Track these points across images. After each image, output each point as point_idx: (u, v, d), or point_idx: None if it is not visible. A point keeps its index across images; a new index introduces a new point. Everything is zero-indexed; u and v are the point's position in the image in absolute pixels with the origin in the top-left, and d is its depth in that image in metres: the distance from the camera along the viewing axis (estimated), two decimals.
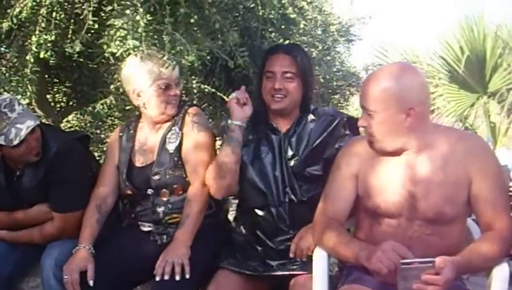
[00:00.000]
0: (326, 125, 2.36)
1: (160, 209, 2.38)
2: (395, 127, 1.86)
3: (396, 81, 1.84)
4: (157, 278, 2.13)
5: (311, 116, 2.38)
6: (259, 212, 2.35)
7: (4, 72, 2.92)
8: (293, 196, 2.32)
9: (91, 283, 2.18)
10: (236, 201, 2.55)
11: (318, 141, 2.34)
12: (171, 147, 2.38)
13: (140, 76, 2.36)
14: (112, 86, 2.89)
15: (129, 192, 2.44)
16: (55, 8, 2.30)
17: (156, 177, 2.37)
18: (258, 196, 2.35)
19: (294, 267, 2.23)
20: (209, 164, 2.34)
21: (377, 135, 1.91)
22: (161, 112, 2.41)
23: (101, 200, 2.41)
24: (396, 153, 1.92)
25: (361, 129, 2.29)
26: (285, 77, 2.29)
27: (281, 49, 2.37)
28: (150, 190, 2.39)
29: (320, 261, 2.04)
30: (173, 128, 2.41)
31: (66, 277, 2.19)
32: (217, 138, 2.57)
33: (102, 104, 2.87)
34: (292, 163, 2.33)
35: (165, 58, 2.17)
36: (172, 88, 2.38)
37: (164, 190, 2.38)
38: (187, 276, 2.13)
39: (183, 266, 2.14)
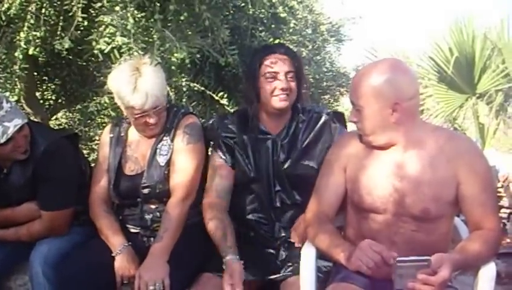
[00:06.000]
0: (313, 124, 2.37)
1: (148, 217, 2.36)
2: (382, 122, 1.89)
3: (383, 77, 1.86)
4: None
5: (301, 117, 2.39)
6: (254, 216, 2.35)
7: None
8: (286, 200, 2.33)
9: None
10: None
11: (307, 141, 2.35)
12: (161, 160, 2.35)
13: (116, 96, 2.31)
14: (105, 86, 2.88)
15: (117, 201, 2.42)
16: (44, 5, 2.29)
17: (146, 191, 2.34)
18: (252, 200, 2.36)
19: (288, 271, 2.23)
20: (193, 174, 2.32)
21: (365, 130, 1.94)
22: (139, 133, 2.40)
23: (103, 204, 2.39)
24: (384, 147, 1.95)
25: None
26: (289, 77, 2.29)
27: (278, 49, 2.33)
28: (138, 198, 2.37)
29: (307, 259, 2.04)
30: (165, 138, 2.37)
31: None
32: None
33: (96, 104, 2.86)
34: (285, 166, 2.33)
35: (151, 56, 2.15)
36: (150, 116, 2.27)
37: (153, 199, 2.36)
38: None
39: (164, 287, 2.08)
